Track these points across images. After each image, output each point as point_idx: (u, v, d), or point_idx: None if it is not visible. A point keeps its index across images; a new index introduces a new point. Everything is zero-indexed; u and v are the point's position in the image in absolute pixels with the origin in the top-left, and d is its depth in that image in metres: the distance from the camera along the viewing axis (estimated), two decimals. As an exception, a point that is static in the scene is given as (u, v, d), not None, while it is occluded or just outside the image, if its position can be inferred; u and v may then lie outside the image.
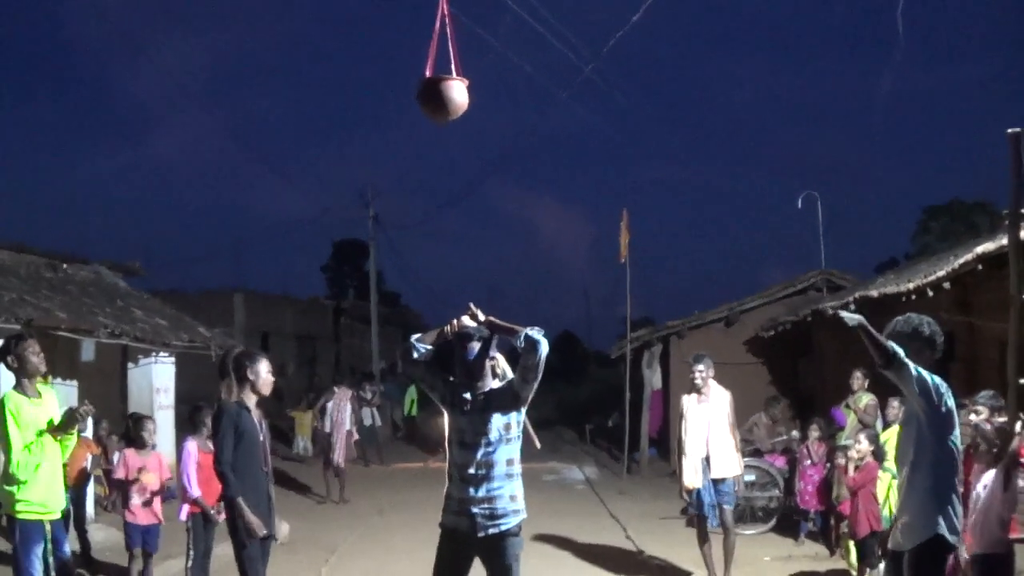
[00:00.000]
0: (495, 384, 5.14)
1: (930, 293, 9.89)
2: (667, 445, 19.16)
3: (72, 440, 6.04)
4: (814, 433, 11.06)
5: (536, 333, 4.85)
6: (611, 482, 17.38)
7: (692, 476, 8.68)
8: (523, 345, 4.86)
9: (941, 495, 4.74)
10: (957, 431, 4.85)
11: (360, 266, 46.20)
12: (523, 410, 5.07)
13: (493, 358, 5.17)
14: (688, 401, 8.90)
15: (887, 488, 8.06)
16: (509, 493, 4.99)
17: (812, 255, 20.11)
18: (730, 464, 8.69)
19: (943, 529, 4.69)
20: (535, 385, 4.95)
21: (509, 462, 5.01)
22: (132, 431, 8.69)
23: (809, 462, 10.92)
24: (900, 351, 4.65)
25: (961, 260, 9.39)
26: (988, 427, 6.09)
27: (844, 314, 4.73)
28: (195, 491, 7.79)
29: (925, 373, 4.69)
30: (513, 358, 5.23)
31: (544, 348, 4.86)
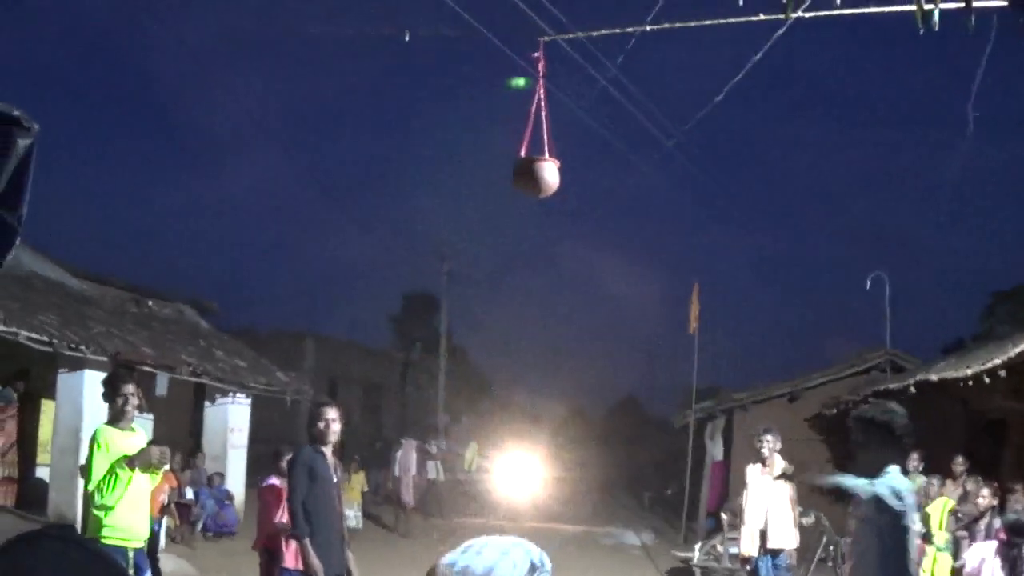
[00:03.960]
0: None
1: (986, 380, 10.02)
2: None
3: (159, 474, 6.44)
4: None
5: None
6: (667, 549, 17.43)
7: (749, 545, 8.86)
8: None
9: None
10: (914, 515, 4.72)
11: (428, 320, 46.64)
12: None
13: None
14: (752, 471, 9.10)
15: (932, 563, 8.35)
16: None
17: (878, 333, 20.08)
18: (788, 536, 8.85)
19: None
20: None
21: None
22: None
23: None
24: (869, 490, 4.54)
25: (1018, 349, 9.54)
26: None
27: (817, 479, 4.42)
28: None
29: (883, 487, 4.52)
30: None
31: None
